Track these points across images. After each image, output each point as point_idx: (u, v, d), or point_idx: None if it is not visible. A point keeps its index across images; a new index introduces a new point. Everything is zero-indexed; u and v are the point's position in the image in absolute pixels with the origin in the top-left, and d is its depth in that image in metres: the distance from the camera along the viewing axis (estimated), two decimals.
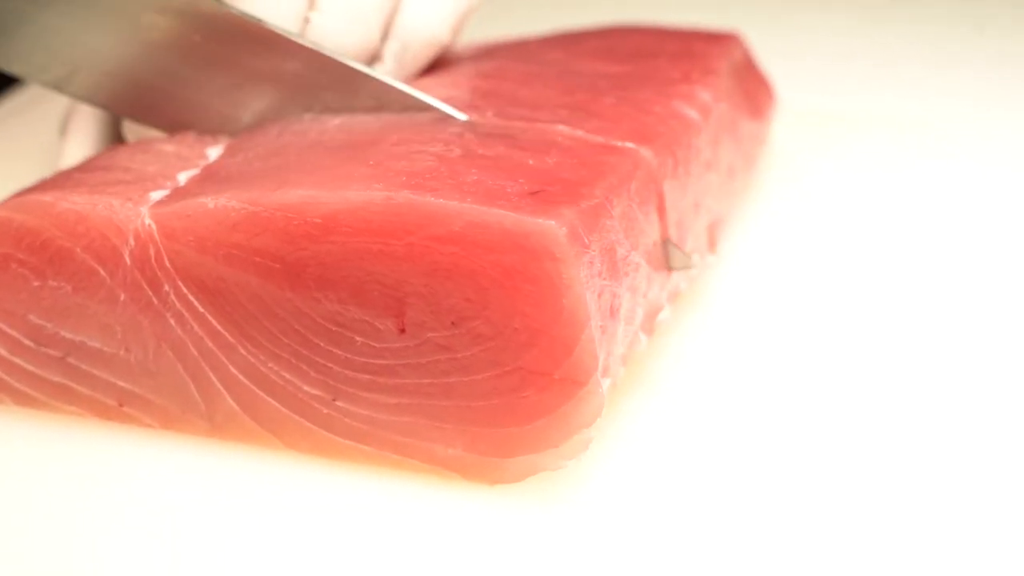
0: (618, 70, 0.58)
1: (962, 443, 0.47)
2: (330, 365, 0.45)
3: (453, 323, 0.42)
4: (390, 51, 0.57)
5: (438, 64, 0.60)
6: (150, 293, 0.47)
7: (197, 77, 0.54)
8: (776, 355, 0.52)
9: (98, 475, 0.47)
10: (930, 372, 0.51)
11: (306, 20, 0.55)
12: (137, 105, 0.56)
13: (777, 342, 0.53)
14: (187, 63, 0.54)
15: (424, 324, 0.42)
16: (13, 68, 0.55)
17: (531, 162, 0.46)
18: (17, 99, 0.82)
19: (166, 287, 0.46)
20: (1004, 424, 0.47)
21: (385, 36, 0.57)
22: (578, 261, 0.41)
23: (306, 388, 0.45)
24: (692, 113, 0.54)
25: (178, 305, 0.46)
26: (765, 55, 0.70)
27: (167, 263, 0.46)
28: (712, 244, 0.57)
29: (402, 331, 0.43)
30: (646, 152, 0.49)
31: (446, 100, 0.53)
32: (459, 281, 0.41)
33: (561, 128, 0.50)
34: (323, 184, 0.44)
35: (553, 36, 0.65)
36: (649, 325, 0.49)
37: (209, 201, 0.45)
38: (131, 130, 0.58)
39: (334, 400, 0.45)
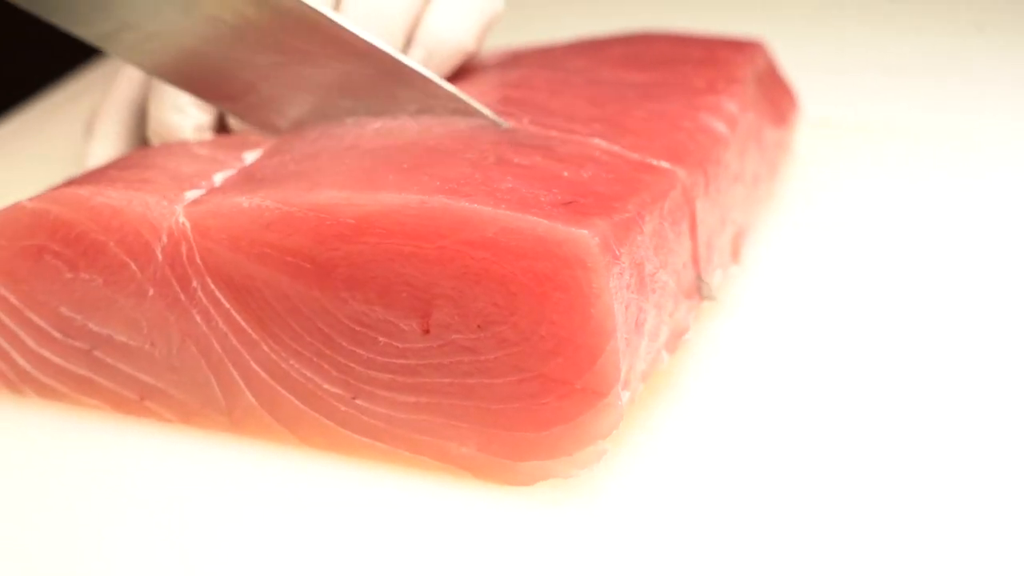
0: (644, 78, 0.59)
1: (993, 451, 0.47)
2: (352, 364, 0.46)
3: (479, 326, 0.43)
4: (415, 58, 0.58)
5: (463, 72, 0.61)
6: (178, 289, 0.48)
7: (245, 53, 0.54)
8: (799, 369, 0.52)
9: (116, 468, 0.48)
10: (955, 382, 0.51)
11: None
12: (181, 73, 0.56)
13: (799, 355, 0.53)
14: (236, 37, 0.53)
15: (450, 326, 0.43)
16: (59, 20, 0.54)
17: (566, 174, 0.47)
18: (46, 102, 0.83)
19: (194, 283, 0.47)
20: None
21: (409, 43, 0.58)
22: (608, 271, 0.41)
23: (326, 386, 0.46)
24: (720, 127, 0.55)
25: (205, 301, 0.47)
26: (790, 64, 0.71)
27: (198, 260, 0.47)
28: (735, 254, 0.57)
29: (426, 332, 0.44)
30: (681, 172, 0.50)
31: None
32: (488, 286, 0.42)
33: (598, 142, 0.51)
34: (357, 186, 0.45)
35: (577, 43, 0.66)
36: (673, 344, 0.49)
37: (244, 200, 0.46)
38: (156, 133, 0.59)
39: (353, 398, 0.46)
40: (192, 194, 0.49)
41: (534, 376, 0.43)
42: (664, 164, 0.50)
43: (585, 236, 0.41)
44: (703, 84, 0.58)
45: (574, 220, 0.42)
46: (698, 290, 0.51)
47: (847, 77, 0.84)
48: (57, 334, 0.50)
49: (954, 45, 0.91)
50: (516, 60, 0.63)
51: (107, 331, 0.49)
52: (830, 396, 0.50)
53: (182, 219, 0.47)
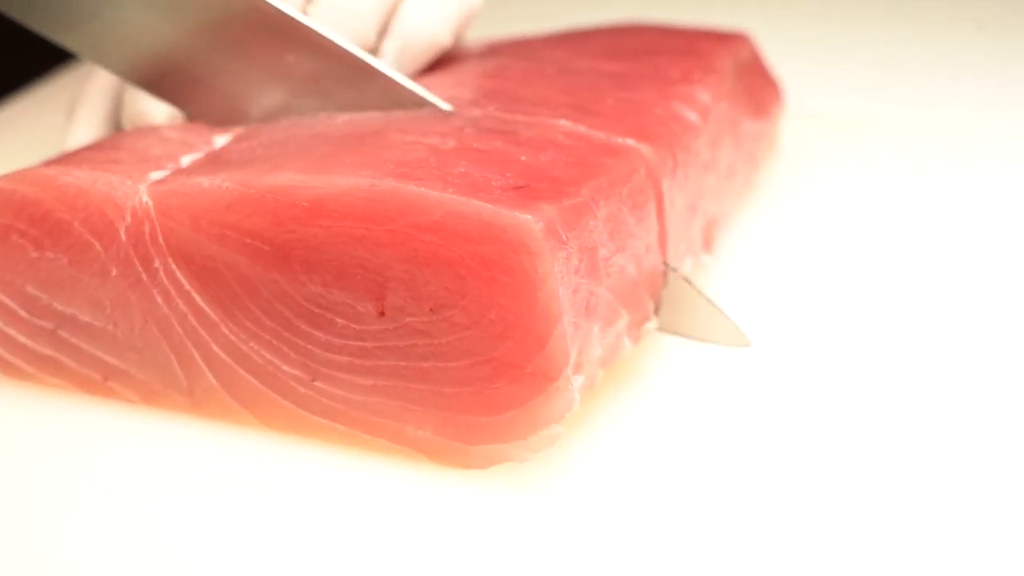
0: (619, 68, 0.59)
1: (970, 449, 0.46)
2: (310, 347, 0.46)
3: (431, 310, 0.43)
4: (389, 49, 0.58)
5: (443, 62, 0.61)
6: (140, 269, 0.48)
7: (211, 55, 0.54)
8: (766, 361, 0.52)
9: (77, 448, 0.49)
10: (927, 379, 0.51)
11: (303, 12, 0.56)
12: (153, 79, 0.56)
13: (768, 347, 0.53)
14: (205, 38, 0.54)
15: (404, 309, 0.43)
16: (34, 23, 0.55)
17: (524, 158, 0.47)
18: (36, 93, 0.84)
19: (156, 263, 0.47)
20: (1016, 432, 0.47)
21: (384, 34, 0.58)
22: (553, 256, 0.42)
23: (285, 368, 0.46)
24: (691, 115, 0.55)
25: (166, 282, 0.48)
26: (785, 58, 0.70)
27: (160, 240, 0.47)
28: (708, 244, 0.57)
29: (381, 314, 0.44)
30: (646, 149, 0.50)
31: (449, 99, 0.54)
32: (438, 269, 0.42)
33: (563, 123, 0.51)
34: (312, 169, 0.45)
35: (560, 34, 0.66)
36: (635, 332, 0.49)
37: (205, 181, 0.46)
38: (130, 120, 0.60)
39: (312, 380, 0.46)
40: (157, 175, 0.49)
41: (486, 360, 0.43)
42: (629, 142, 0.50)
43: (528, 221, 0.41)
44: (678, 74, 0.58)
45: (520, 205, 0.42)
46: (663, 285, 0.51)
47: (844, 72, 0.85)
48: (23, 313, 0.50)
49: (953, 42, 0.91)
50: (495, 51, 0.63)
51: (71, 311, 0.49)
52: (796, 387, 0.50)
53: (145, 199, 0.48)
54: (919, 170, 0.69)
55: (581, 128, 0.51)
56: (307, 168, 0.46)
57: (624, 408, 0.49)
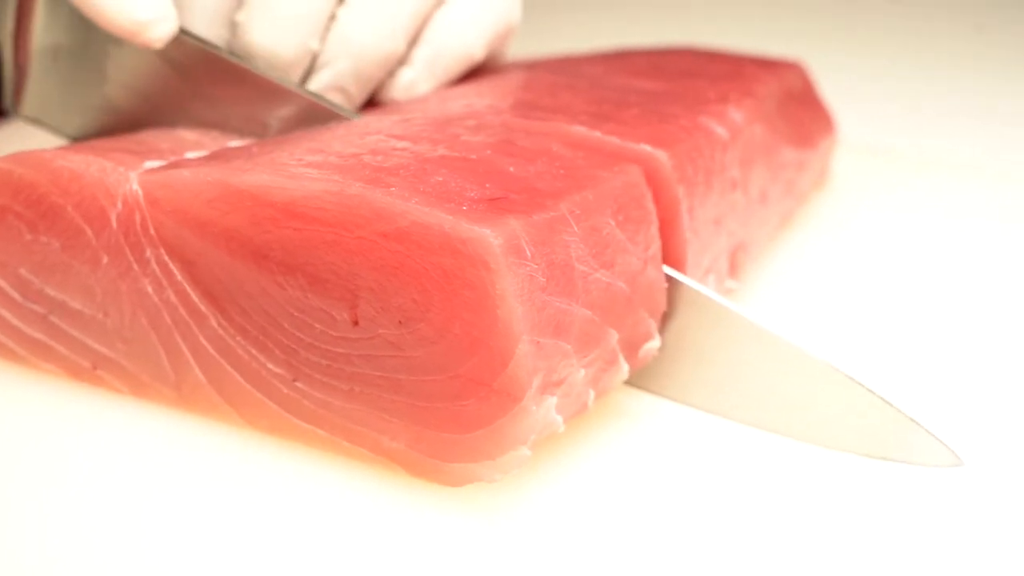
0: (655, 87, 0.57)
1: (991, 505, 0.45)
2: (294, 347, 0.45)
3: (400, 322, 0.42)
4: (421, 56, 0.57)
5: (476, 74, 0.60)
6: (131, 259, 0.47)
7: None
8: None
9: (62, 434, 0.48)
10: (953, 428, 0.48)
11: (332, 17, 0.55)
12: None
13: None
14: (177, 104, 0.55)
15: (375, 320, 0.42)
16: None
17: (511, 169, 0.45)
18: None
19: (148, 253, 0.47)
20: None
21: (416, 42, 0.57)
22: (513, 273, 0.40)
23: (270, 366, 0.46)
24: (718, 129, 0.53)
25: (158, 272, 0.47)
26: (848, 92, 0.68)
27: (151, 230, 0.46)
28: (734, 269, 0.55)
29: (356, 323, 0.43)
30: (661, 155, 0.48)
31: (466, 108, 0.52)
32: (405, 280, 0.41)
33: (578, 129, 0.49)
34: (288, 171, 0.44)
35: (602, 53, 0.65)
36: (632, 354, 0.47)
37: (187, 173, 0.46)
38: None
39: (294, 380, 0.45)
40: (151, 164, 0.48)
41: (454, 376, 0.41)
42: (645, 147, 0.48)
43: (487, 236, 0.40)
44: (713, 96, 0.57)
45: (483, 218, 0.40)
46: (667, 298, 0.49)
47: (908, 109, 0.83)
48: (16, 295, 0.50)
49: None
50: (532, 66, 0.62)
51: (63, 296, 0.49)
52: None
53: (135, 186, 0.47)
54: (973, 211, 0.67)
55: (596, 134, 0.49)
56: (282, 169, 0.44)
57: (619, 436, 0.48)
